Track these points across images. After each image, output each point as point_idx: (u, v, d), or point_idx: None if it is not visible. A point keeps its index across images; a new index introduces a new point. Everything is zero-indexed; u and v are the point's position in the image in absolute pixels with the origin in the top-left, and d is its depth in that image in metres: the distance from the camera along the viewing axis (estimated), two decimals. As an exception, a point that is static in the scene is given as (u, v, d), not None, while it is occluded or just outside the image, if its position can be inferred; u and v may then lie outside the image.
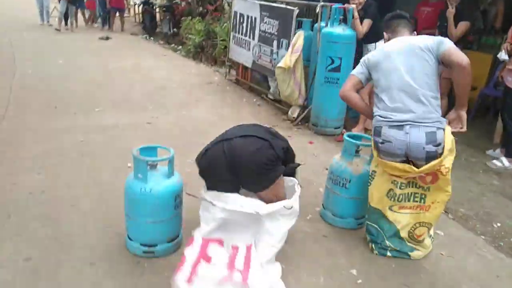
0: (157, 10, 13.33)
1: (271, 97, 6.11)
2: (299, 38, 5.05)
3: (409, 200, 2.51)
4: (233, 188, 2.25)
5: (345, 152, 2.82)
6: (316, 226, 2.92)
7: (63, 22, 11.29)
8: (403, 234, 2.54)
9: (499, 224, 3.17)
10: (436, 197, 2.50)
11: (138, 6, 15.11)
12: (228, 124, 4.70)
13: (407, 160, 2.41)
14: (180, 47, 10.63)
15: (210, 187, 2.29)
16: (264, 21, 5.88)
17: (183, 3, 12.82)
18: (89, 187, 3.17)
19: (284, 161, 2.36)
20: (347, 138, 2.80)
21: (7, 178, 3.18)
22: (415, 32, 2.66)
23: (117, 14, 12.29)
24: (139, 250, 2.40)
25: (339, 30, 4.52)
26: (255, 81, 6.67)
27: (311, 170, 3.80)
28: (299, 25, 5.55)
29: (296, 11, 5.19)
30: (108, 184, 3.21)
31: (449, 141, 2.35)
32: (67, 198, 2.99)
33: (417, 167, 2.34)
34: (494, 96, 5.60)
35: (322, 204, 3.05)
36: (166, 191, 2.33)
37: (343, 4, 4.70)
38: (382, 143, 2.41)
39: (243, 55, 6.63)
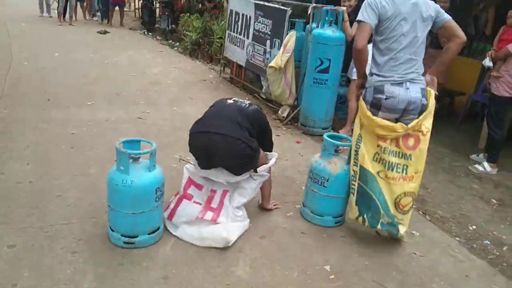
0: (157, 5, 13.39)
1: (263, 96, 6.19)
2: (290, 39, 5.14)
3: (393, 170, 2.61)
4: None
5: (324, 152, 2.90)
6: (295, 223, 3.00)
7: (62, 15, 11.32)
8: (389, 204, 2.66)
9: (474, 227, 3.26)
10: (417, 167, 2.63)
11: (138, 1, 15.19)
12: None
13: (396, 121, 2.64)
14: (178, 43, 10.69)
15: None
16: (259, 20, 5.95)
17: (183, 0, 12.89)
18: (76, 178, 3.25)
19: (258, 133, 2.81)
20: (327, 138, 2.88)
21: (-4, 167, 3.25)
22: None
23: (117, 8, 12.32)
24: (120, 241, 2.48)
25: (329, 32, 4.59)
26: (248, 80, 6.75)
27: (296, 169, 3.89)
28: (292, 26, 5.62)
29: (289, 11, 5.27)
30: (95, 176, 3.29)
31: (432, 101, 2.62)
32: (54, 188, 3.06)
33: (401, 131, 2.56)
34: (482, 102, 5.69)
35: (302, 202, 3.14)
36: (147, 183, 2.41)
37: (335, 6, 4.78)
38: (386, 98, 2.58)
39: (237, 54, 6.70)
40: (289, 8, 5.30)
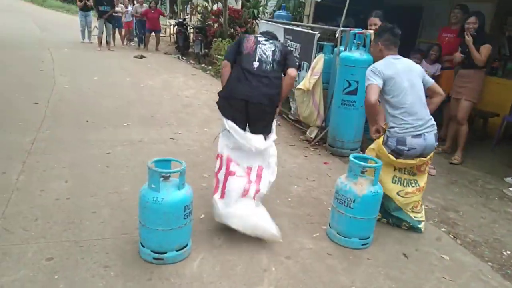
0: (191, 31, 13.91)
1: (291, 117, 6.27)
2: (319, 61, 5.22)
3: (409, 186, 3.18)
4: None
5: (350, 173, 2.91)
6: (321, 244, 3.00)
7: (101, 41, 11.94)
8: (408, 210, 3.23)
9: (508, 252, 3.14)
10: (423, 180, 3.24)
11: (173, 27, 15.82)
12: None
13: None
14: (210, 67, 11.03)
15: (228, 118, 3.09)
16: (288, 44, 6.09)
17: (215, 25, 13.33)
18: (110, 196, 3.40)
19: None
20: (353, 159, 2.90)
21: (37, 185, 3.45)
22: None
23: (153, 33, 12.87)
24: (150, 256, 2.58)
25: (357, 54, 4.65)
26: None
27: (323, 189, 3.91)
28: (321, 49, 5.72)
29: (318, 35, 5.38)
30: (128, 194, 3.43)
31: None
32: (89, 205, 3.22)
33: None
34: (517, 123, 5.53)
35: (329, 223, 3.14)
36: (176, 201, 2.50)
37: (363, 29, 4.84)
38: (408, 150, 3.02)
39: (267, 76, 6.83)
40: (317, 32, 5.41)
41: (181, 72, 9.73)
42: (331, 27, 5.43)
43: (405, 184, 3.16)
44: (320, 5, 7.16)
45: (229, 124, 3.05)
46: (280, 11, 7.23)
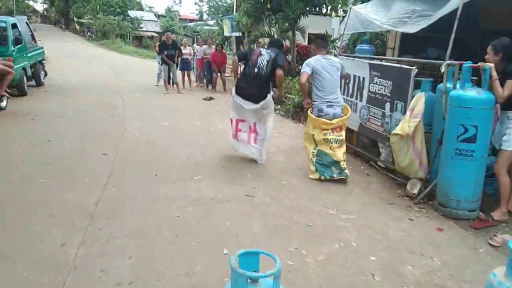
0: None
1: (381, 165, 5.39)
2: (419, 101, 4.39)
3: (336, 143, 4.81)
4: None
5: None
6: None
7: (167, 84, 11.98)
8: (339, 158, 4.78)
9: None
10: (342, 136, 4.82)
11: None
12: (333, 198, 4.15)
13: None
14: (279, 106, 10.50)
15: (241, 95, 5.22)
16: (375, 82, 5.32)
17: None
18: (179, 279, 2.77)
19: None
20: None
21: (98, 261, 2.94)
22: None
23: (219, 74, 12.75)
24: None
25: (473, 93, 3.76)
26: (361, 146, 6.03)
27: (447, 272, 2.98)
28: (416, 85, 4.88)
29: (415, 71, 4.57)
30: (201, 276, 2.79)
31: (347, 111, 4.99)
32: (156, 292, 2.61)
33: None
34: None
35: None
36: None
37: (474, 62, 3.96)
38: (324, 115, 4.79)
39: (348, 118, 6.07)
40: (414, 67, 4.60)
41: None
42: (432, 61, 4.60)
43: (335, 141, 4.82)
44: (405, 35, 6.37)
45: (235, 96, 5.28)
46: (362, 45, 6.52)
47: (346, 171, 4.79)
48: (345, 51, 10.39)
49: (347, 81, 6.10)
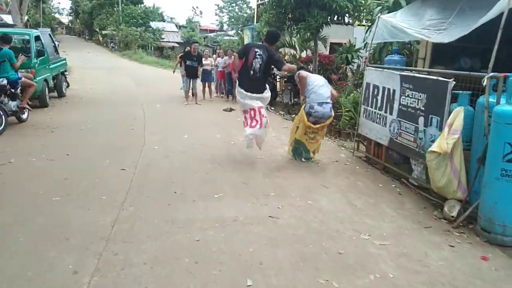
0: (278, 79, 13.44)
1: (414, 182, 5.05)
2: (457, 116, 4.05)
3: (313, 139, 5.88)
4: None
5: None
6: None
7: (188, 95, 11.85)
8: (311, 149, 6.00)
9: None
10: (321, 135, 5.97)
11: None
12: (364, 220, 3.84)
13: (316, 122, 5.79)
14: (294, 116, 10.24)
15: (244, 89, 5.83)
16: (406, 94, 5.01)
17: (305, 72, 12.68)
18: (200, 316, 2.52)
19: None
20: None
21: (112, 293, 2.71)
22: None
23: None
24: None
25: (521, 108, 3.42)
26: (391, 161, 5.69)
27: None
28: (453, 99, 4.54)
29: (452, 83, 4.24)
30: (223, 313, 2.53)
31: (332, 114, 5.93)
32: (173, 333, 2.36)
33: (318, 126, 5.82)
34: None
35: None
36: None
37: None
38: (314, 112, 5.70)
39: (376, 131, 5.77)
40: (451, 80, 4.27)
41: (271, 125, 8.95)
42: (471, 73, 4.26)
43: (311, 138, 5.88)
44: (436, 45, 6.03)
45: (239, 89, 5.94)
46: (392, 55, 6.20)
47: (312, 159, 6.12)
48: (369, 62, 10.07)
49: (375, 93, 5.80)
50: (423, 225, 3.98)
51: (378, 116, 5.69)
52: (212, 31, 57.67)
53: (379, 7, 8.95)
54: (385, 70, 5.63)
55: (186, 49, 12.68)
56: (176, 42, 44.96)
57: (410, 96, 4.92)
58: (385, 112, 5.52)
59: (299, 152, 6.06)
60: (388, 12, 8.17)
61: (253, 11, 48.99)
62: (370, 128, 5.93)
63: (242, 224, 3.84)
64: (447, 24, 5.09)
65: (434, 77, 4.59)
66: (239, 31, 44.43)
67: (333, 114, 5.92)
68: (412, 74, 5.03)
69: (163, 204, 4.28)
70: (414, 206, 4.48)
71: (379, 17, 6.03)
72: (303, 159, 6.02)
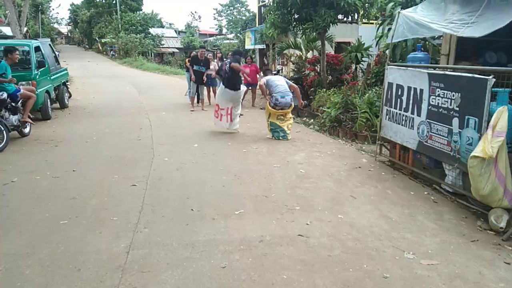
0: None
1: (448, 189, 4.67)
2: (501, 116, 3.69)
3: (282, 120, 7.76)
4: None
5: None
6: None
7: (195, 101, 11.56)
8: (283, 127, 7.72)
9: None
10: (287, 117, 7.81)
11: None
12: (404, 235, 3.47)
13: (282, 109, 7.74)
14: (312, 120, 9.87)
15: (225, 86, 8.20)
16: (437, 94, 4.64)
17: (312, 74, 12.32)
18: None
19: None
20: None
21: None
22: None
23: (250, 88, 12.25)
24: None
25: None
26: (419, 166, 5.31)
27: None
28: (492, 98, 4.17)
29: (492, 81, 3.87)
30: None
31: (292, 103, 7.89)
32: None
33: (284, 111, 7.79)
34: None
35: None
36: None
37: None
38: (279, 103, 7.63)
39: (402, 134, 5.40)
40: (491, 77, 3.90)
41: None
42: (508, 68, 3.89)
43: (282, 119, 7.72)
44: (460, 40, 5.66)
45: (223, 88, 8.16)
46: (416, 52, 5.82)
47: (289, 137, 7.74)
48: (379, 61, 9.71)
49: (399, 93, 5.43)
50: (469, 238, 3.60)
51: (404, 118, 5.32)
52: (211, 35, 57.41)
53: (392, 3, 8.59)
54: (410, 68, 5.26)
55: (192, 54, 12.37)
56: (176, 48, 44.74)
57: (441, 95, 4.56)
58: (412, 113, 5.15)
59: (277, 132, 7.76)
60: (402, 8, 7.81)
61: (252, 14, 48.76)
62: (395, 130, 5.56)
63: (270, 246, 3.47)
64: (475, 17, 4.73)
65: (469, 75, 4.22)
66: (238, 34, 44.15)
67: (292, 103, 7.87)
68: (442, 72, 4.66)
69: (180, 224, 3.91)
70: (453, 216, 4.11)
71: (399, 12, 5.66)
72: (280, 138, 7.69)
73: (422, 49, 8.58)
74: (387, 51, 7.40)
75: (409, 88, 5.20)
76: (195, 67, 11.14)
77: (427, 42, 8.39)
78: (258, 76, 12.52)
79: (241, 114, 10.51)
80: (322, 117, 8.99)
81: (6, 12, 21.63)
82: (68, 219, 4.02)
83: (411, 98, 5.17)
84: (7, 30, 20.08)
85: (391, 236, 3.65)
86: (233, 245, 3.48)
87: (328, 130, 8.50)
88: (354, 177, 5.37)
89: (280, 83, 7.81)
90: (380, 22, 9.18)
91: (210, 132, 8.41)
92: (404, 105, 5.33)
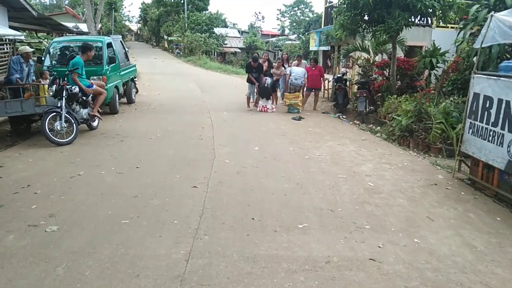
0: (348, 85, 12.60)
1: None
2: None
3: (294, 99, 11.15)
4: None
5: None
6: None
7: (249, 101, 11.57)
8: (294, 103, 11.15)
9: None
10: (299, 98, 11.20)
11: (328, 82, 14.73)
12: (493, 270, 3.03)
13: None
14: (379, 127, 9.32)
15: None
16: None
17: (380, 78, 11.70)
18: None
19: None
20: None
21: None
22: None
23: (313, 91, 11.94)
24: None
25: None
26: (506, 188, 4.71)
27: None
28: None
29: None
30: None
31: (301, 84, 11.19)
32: None
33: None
34: None
35: None
36: None
37: None
38: (292, 84, 10.95)
39: (487, 151, 4.83)
40: None
41: (348, 137, 8.23)
42: None
43: (294, 99, 11.09)
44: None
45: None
46: (510, 61, 5.18)
47: (300, 109, 11.14)
48: (457, 67, 8.94)
49: (487, 105, 4.86)
50: None
51: (492, 133, 4.75)
52: (273, 35, 57.46)
53: (476, 6, 7.83)
54: (503, 78, 4.67)
55: (254, 56, 12.41)
56: (238, 48, 45.21)
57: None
58: (502, 129, 4.57)
59: (291, 109, 11.00)
60: (488, 12, 7.10)
61: (315, 15, 48.07)
62: (479, 146, 4.99)
63: (338, 269, 3.16)
64: None
65: None
66: (301, 35, 43.68)
67: (302, 84, 11.05)
68: (546, 84, 4.07)
69: (241, 234, 3.72)
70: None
71: (492, 15, 5.06)
72: (295, 111, 10.84)
73: (508, 55, 7.77)
74: (474, 58, 6.73)
75: (500, 100, 4.63)
76: (252, 75, 11.32)
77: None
78: (322, 79, 12.15)
79: (300, 118, 10.31)
80: (391, 125, 8.43)
81: (84, 9, 23.01)
82: (130, 218, 3.98)
83: (502, 111, 4.59)
84: (83, 27, 21.33)
85: (478, 270, 3.19)
86: (297, 264, 3.21)
87: (397, 140, 7.94)
88: (430, 195, 4.88)
89: (297, 70, 11.10)
90: (461, 26, 8.42)
91: (271, 135, 8.20)
92: (492, 119, 4.75)
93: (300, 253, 3.39)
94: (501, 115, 4.60)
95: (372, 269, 3.17)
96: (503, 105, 4.57)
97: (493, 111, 4.75)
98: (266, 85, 10.96)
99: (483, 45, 5.25)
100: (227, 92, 15.89)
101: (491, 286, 2.97)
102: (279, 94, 12.80)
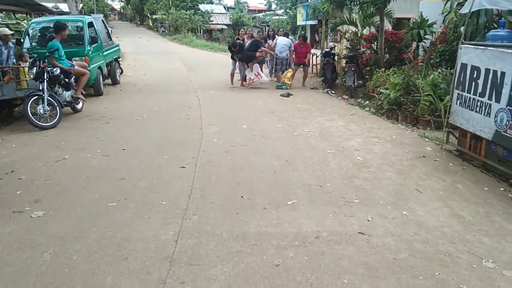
0: (337, 60, 12.49)
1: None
2: None
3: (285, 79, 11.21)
4: None
5: None
6: None
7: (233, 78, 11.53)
8: (283, 80, 11.17)
9: None
10: (290, 73, 11.29)
11: (317, 57, 14.58)
12: (480, 239, 3.05)
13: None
14: (367, 102, 9.29)
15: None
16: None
17: (368, 52, 11.60)
18: None
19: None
20: None
21: None
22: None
23: (301, 66, 11.81)
24: None
25: None
26: (494, 158, 4.74)
27: None
28: None
29: None
30: None
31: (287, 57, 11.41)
32: None
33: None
34: None
35: None
36: None
37: None
38: (278, 56, 11.25)
39: (475, 122, 4.83)
40: None
41: (336, 112, 8.20)
42: None
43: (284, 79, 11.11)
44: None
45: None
46: (498, 30, 5.14)
47: (288, 86, 11.05)
48: (445, 39, 8.87)
49: (474, 76, 4.83)
50: None
51: (479, 103, 4.74)
52: (260, 11, 56.56)
53: (464, -26, 7.71)
54: (490, 48, 4.63)
55: (241, 31, 12.29)
56: (225, 24, 44.47)
57: (532, 80, 3.95)
58: (489, 99, 4.56)
59: (280, 85, 11.00)
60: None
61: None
62: (467, 117, 4.99)
63: (328, 243, 3.16)
64: None
65: None
66: (288, 10, 43.00)
67: (287, 57, 11.29)
68: (533, 53, 4.04)
69: (230, 213, 3.70)
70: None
71: (479, -19, 4.98)
72: (283, 87, 10.83)
73: (495, 25, 7.72)
74: (461, 29, 6.66)
75: (487, 70, 4.60)
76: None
77: (502, 18, 7.49)
78: (307, 55, 11.96)
79: (289, 94, 10.20)
80: (380, 99, 8.40)
81: (63, -12, 22.23)
82: (117, 201, 3.93)
83: (489, 81, 4.57)
84: (64, 7, 20.65)
85: (466, 239, 3.22)
86: (287, 240, 3.21)
87: (386, 113, 7.92)
88: (419, 167, 4.89)
89: (282, 41, 11.33)
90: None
91: (259, 112, 8.12)
92: (480, 90, 4.73)
93: (289, 229, 3.39)
94: (488, 85, 4.58)
95: (361, 242, 3.18)
96: (490, 75, 4.54)
97: (480, 81, 4.73)
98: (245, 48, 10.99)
99: (473, 9, 5.18)
100: (214, 70, 15.66)
101: (479, 255, 3.00)
102: (266, 70, 12.69)
